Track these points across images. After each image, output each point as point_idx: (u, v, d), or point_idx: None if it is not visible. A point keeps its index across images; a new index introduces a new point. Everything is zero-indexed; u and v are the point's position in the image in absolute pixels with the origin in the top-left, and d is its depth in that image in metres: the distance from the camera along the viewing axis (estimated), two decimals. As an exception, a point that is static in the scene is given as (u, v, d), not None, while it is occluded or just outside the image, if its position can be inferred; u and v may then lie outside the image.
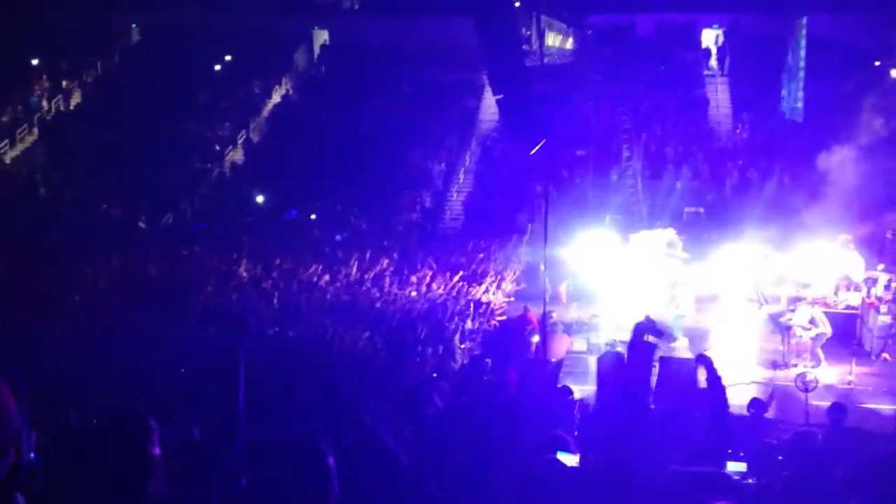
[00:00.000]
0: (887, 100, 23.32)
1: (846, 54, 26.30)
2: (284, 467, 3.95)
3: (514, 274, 21.72)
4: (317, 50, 35.79)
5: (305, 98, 33.22)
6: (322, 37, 35.84)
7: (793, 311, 17.49)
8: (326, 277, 20.68)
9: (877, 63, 24.10)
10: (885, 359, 16.90)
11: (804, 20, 25.33)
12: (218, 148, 30.58)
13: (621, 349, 16.88)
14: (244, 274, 21.07)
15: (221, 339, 4.11)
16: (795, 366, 16.03)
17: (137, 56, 35.63)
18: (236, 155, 30.91)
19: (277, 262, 21.84)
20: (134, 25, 36.70)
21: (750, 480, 7.95)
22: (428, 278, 20.54)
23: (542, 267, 17.62)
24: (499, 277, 21.07)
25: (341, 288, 20.06)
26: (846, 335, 17.58)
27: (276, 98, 33.59)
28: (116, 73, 34.74)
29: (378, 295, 19.39)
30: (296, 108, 32.88)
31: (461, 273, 20.81)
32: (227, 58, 34.30)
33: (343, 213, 26.04)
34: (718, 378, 5.65)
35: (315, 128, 30.08)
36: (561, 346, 16.02)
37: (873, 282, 18.27)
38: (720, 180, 25.94)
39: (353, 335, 15.82)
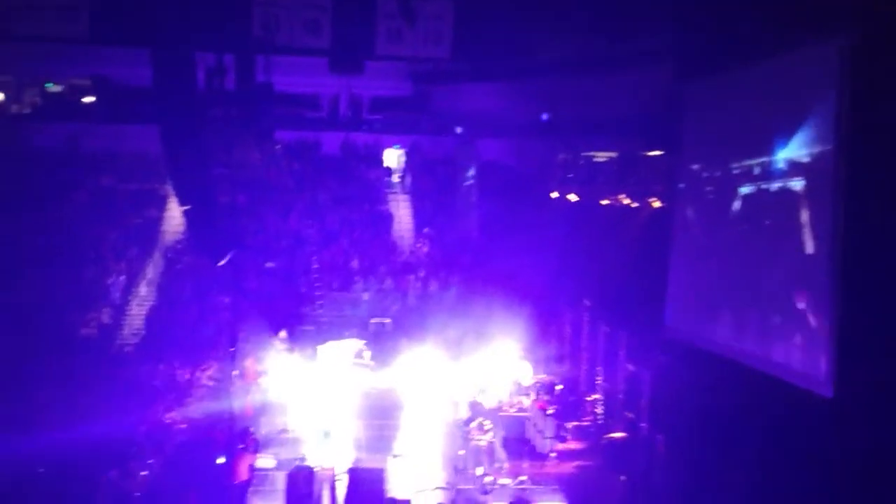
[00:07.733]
0: (547, 217, 25.87)
1: (511, 176, 28.94)
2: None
3: (203, 388, 20.94)
4: (-19, 154, 32.97)
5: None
6: (-13, 140, 33.16)
7: (471, 416, 18.43)
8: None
9: (538, 185, 26.73)
10: (553, 457, 18.31)
11: (474, 144, 27.66)
12: None
13: (311, 463, 16.76)
14: None
15: None
16: (475, 469, 16.78)
17: None
18: None
19: None
20: None
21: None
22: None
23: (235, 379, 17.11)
24: (182, 394, 20.19)
25: None
26: (519, 436, 18.85)
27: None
28: None
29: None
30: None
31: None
32: None
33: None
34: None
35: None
36: (244, 465, 15.57)
37: (541, 386, 19.85)
38: (404, 292, 27.06)
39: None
